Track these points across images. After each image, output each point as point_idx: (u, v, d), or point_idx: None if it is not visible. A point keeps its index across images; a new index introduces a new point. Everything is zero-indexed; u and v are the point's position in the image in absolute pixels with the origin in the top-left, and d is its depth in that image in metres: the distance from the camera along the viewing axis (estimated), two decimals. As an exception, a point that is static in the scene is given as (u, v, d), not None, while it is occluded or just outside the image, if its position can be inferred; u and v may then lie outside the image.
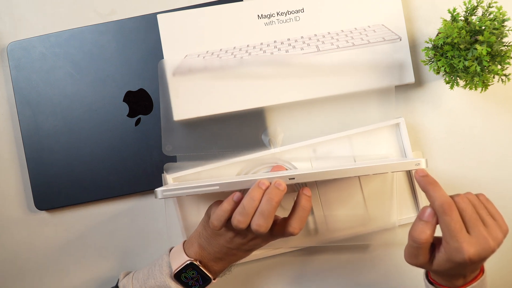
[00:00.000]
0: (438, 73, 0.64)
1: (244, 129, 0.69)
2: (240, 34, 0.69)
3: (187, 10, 0.69)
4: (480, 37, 0.59)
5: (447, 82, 0.65)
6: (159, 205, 0.73)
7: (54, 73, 0.71)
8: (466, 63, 0.59)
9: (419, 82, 0.73)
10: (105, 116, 0.71)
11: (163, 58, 0.69)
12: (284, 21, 0.69)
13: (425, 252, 0.54)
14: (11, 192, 0.72)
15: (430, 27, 0.72)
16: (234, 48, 0.69)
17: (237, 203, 0.56)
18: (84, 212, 0.73)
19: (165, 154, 0.70)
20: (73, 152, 0.70)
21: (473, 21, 0.61)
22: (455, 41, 0.59)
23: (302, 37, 0.69)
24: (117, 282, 0.65)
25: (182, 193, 0.57)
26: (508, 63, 0.61)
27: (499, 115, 0.72)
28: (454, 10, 0.62)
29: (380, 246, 0.72)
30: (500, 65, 0.61)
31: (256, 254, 0.71)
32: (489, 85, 0.63)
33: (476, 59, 0.59)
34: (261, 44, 0.69)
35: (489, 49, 0.58)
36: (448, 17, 0.63)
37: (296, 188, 0.69)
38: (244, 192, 0.57)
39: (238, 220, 0.55)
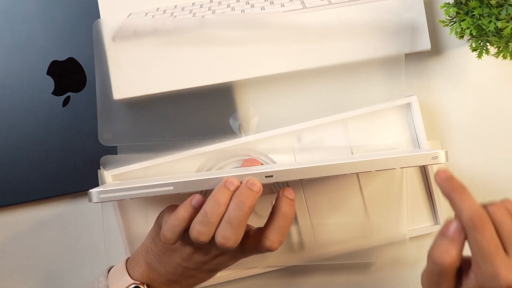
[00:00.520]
0: (461, 37, 0.63)
1: (206, 111, 0.69)
2: (202, -16, 0.68)
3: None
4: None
5: (474, 49, 0.63)
6: (94, 211, 0.71)
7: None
8: (499, 23, 0.58)
9: (436, 49, 0.70)
10: (23, 94, 0.69)
11: (99, 17, 0.67)
12: (260, -33, 0.68)
13: (450, 278, 0.50)
14: None
15: (452, -24, 0.67)
16: (193, 4, 0.67)
17: (196, 209, 0.54)
18: (-5, 220, 0.72)
19: (102, 144, 0.67)
20: (-23, 142, 0.70)
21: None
22: (485, -6, 0.58)
23: (282, -12, 0.68)
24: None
25: (125, 195, 0.56)
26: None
27: (542, 92, 0.70)
28: (485, -47, 0.59)
29: (385, 264, 0.71)
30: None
31: (222, 275, 0.69)
32: (528, 52, 0.60)
33: (512, 18, 0.58)
34: (229, -2, 0.68)
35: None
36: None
37: (275, 189, 0.67)
38: (206, 194, 0.56)
39: (198, 231, 0.53)
